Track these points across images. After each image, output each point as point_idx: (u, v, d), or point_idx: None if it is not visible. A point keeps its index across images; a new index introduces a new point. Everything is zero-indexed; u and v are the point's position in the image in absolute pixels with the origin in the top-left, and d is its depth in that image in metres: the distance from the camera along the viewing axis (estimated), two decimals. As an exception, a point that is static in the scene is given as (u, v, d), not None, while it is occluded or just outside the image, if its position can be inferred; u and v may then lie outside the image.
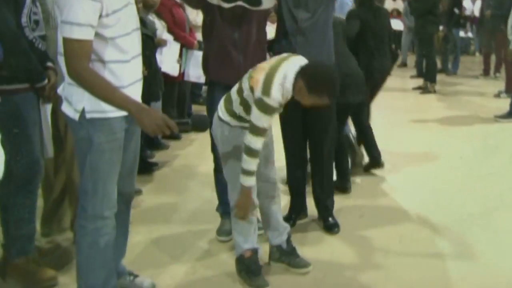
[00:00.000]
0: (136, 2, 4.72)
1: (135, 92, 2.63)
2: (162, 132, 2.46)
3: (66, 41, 2.39)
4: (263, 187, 3.22)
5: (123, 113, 2.53)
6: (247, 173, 2.94)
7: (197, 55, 5.82)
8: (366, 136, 5.15)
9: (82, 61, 2.40)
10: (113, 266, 2.78)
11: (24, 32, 2.97)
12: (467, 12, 14.53)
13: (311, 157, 4.03)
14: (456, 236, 3.86)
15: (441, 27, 10.90)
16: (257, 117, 2.83)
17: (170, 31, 6.08)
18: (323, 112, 3.65)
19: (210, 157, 3.77)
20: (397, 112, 8.42)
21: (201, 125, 6.13)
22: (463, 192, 4.74)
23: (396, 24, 14.91)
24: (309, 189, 4.11)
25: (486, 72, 11.62)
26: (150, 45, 5.02)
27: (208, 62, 3.60)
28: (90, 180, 2.57)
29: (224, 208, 3.72)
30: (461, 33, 12.86)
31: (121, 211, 2.83)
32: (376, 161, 5.11)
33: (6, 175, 3.15)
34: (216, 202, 3.86)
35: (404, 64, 13.68)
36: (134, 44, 2.63)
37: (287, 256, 3.34)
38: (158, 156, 5.76)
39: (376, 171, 5.20)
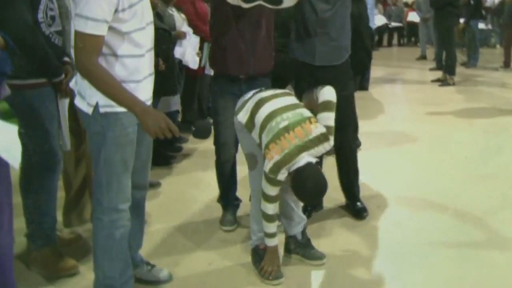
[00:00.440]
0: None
1: (148, 86, 2.65)
2: (163, 135, 2.48)
3: (79, 34, 2.38)
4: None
5: None
6: (269, 235, 3.12)
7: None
8: None
9: (92, 56, 2.40)
10: (129, 257, 2.79)
11: (40, 27, 2.98)
12: (488, 4, 14.33)
13: (335, 146, 3.98)
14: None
15: (462, 20, 10.77)
16: (264, 185, 2.96)
17: (191, 24, 6.06)
18: (346, 100, 3.72)
19: (228, 150, 3.79)
20: (413, 104, 8.38)
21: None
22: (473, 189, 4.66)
23: (415, 17, 14.83)
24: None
25: (506, 64, 11.47)
26: (167, 39, 5.03)
27: (217, 55, 3.60)
28: (104, 173, 2.58)
29: (225, 200, 3.84)
30: (481, 25, 12.65)
31: (136, 203, 2.85)
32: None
33: (26, 168, 3.19)
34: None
35: (423, 57, 13.56)
36: (148, 38, 2.62)
37: (302, 247, 3.34)
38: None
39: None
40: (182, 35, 5.59)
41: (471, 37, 11.67)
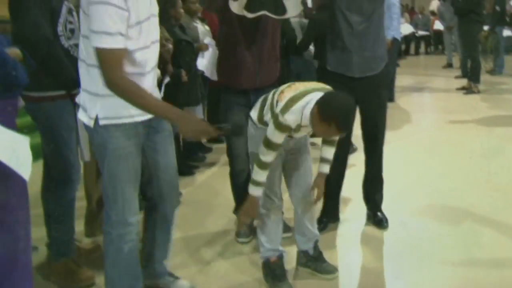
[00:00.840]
0: (178, 8, 4.83)
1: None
2: (201, 138, 2.43)
3: (97, 51, 2.33)
4: (297, 193, 3.14)
5: (138, 118, 2.51)
6: (255, 183, 2.86)
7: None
8: None
9: (116, 70, 2.34)
10: (139, 271, 2.73)
11: (60, 40, 2.98)
12: (513, 11, 14.10)
13: (365, 153, 3.96)
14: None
15: (486, 27, 10.59)
16: (271, 131, 2.74)
17: (215, 36, 6.05)
18: (379, 108, 3.74)
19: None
20: (438, 112, 8.32)
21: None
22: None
23: (439, 25, 14.66)
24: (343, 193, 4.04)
25: (532, 72, 11.24)
26: (189, 51, 5.02)
27: (224, 67, 3.58)
28: (109, 186, 2.54)
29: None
30: (507, 32, 12.41)
31: (163, 217, 2.85)
32: None
33: (46, 180, 3.20)
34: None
35: (449, 65, 13.38)
36: (152, 57, 2.56)
37: (313, 261, 3.25)
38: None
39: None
40: (205, 47, 5.58)
41: (496, 44, 11.47)
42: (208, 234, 3.91)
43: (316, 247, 3.26)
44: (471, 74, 9.65)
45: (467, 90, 9.57)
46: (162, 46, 3.18)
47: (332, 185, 3.91)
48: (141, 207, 2.78)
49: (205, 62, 5.65)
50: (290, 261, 3.33)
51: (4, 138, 2.20)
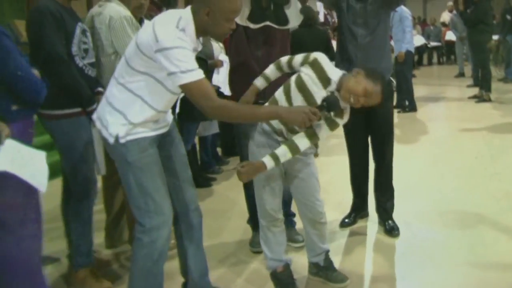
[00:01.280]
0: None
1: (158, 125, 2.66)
2: (311, 121, 2.53)
3: (188, 87, 2.38)
4: (305, 211, 3.07)
5: (151, 133, 2.58)
6: (276, 160, 2.68)
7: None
8: None
9: (211, 97, 2.41)
10: (163, 280, 2.72)
11: (74, 60, 3.02)
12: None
13: (374, 161, 3.96)
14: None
15: (496, 36, 10.52)
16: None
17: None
18: (385, 118, 3.76)
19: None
20: (450, 120, 8.27)
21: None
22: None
23: (453, 36, 14.57)
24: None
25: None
26: (203, 68, 5.01)
27: (234, 80, 3.56)
28: (140, 196, 2.56)
29: (254, 221, 3.65)
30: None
31: (189, 225, 2.85)
32: None
33: (65, 194, 3.25)
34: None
35: (461, 74, 13.29)
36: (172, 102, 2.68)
37: (324, 271, 3.19)
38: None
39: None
40: (219, 64, 5.60)
41: (507, 52, 11.37)
42: (223, 243, 3.90)
43: (326, 258, 3.20)
44: (482, 83, 9.59)
45: (479, 98, 9.50)
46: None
47: (359, 182, 4.05)
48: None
49: (220, 78, 5.68)
50: (302, 270, 3.31)
51: (22, 154, 2.25)
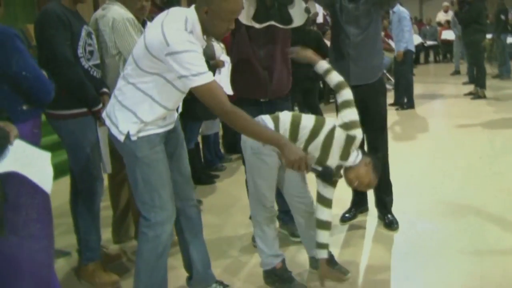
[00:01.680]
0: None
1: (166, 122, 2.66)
2: (299, 168, 2.53)
3: (200, 89, 2.38)
4: (298, 205, 3.07)
5: (160, 130, 2.59)
6: (321, 246, 2.90)
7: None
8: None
9: (225, 100, 2.43)
10: (166, 273, 2.74)
11: (80, 62, 3.04)
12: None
13: None
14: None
15: (490, 35, 10.53)
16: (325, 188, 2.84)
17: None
18: (377, 113, 3.75)
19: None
20: (447, 117, 8.28)
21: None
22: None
23: (449, 35, 14.56)
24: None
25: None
26: (205, 67, 5.04)
27: (236, 79, 3.53)
28: (146, 192, 2.57)
29: None
30: (510, 39, 12.26)
31: (188, 219, 2.87)
32: None
33: (73, 193, 3.27)
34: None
35: (457, 72, 13.29)
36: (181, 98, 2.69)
37: None
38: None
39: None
40: (221, 64, 5.61)
41: (501, 50, 11.36)
42: (226, 238, 3.92)
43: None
44: (477, 80, 9.60)
45: (474, 95, 9.51)
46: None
47: None
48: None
49: (222, 78, 5.68)
50: (302, 264, 3.32)
51: (29, 154, 2.26)
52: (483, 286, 3.00)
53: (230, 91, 5.83)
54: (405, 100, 8.88)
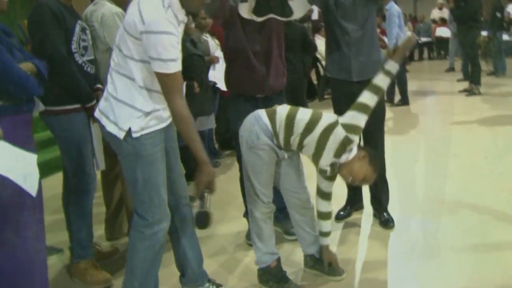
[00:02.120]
0: (189, 23, 4.82)
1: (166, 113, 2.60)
2: (205, 188, 2.57)
3: (164, 76, 2.36)
4: (294, 200, 3.06)
5: (163, 125, 2.55)
6: (323, 234, 3.03)
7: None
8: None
9: (181, 97, 2.43)
10: (157, 277, 2.73)
11: (74, 57, 3.01)
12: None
13: None
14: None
15: (485, 32, 10.52)
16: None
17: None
18: (377, 113, 3.59)
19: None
20: (442, 113, 8.28)
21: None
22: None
23: (443, 32, 14.54)
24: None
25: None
26: (201, 64, 5.01)
27: (232, 75, 3.48)
28: (146, 191, 2.53)
29: None
30: (506, 37, 12.25)
31: (182, 218, 2.83)
32: None
33: (66, 190, 3.22)
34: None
35: (451, 69, 13.27)
36: None
37: (320, 263, 3.14)
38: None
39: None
40: (215, 60, 5.58)
41: (497, 47, 11.36)
42: (220, 235, 3.89)
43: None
44: (472, 77, 9.59)
45: (469, 92, 9.50)
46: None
47: None
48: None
49: (216, 74, 5.65)
50: (297, 263, 3.29)
51: (12, 156, 2.18)
52: (483, 286, 2.97)
53: (224, 87, 5.83)
54: (398, 97, 8.85)
